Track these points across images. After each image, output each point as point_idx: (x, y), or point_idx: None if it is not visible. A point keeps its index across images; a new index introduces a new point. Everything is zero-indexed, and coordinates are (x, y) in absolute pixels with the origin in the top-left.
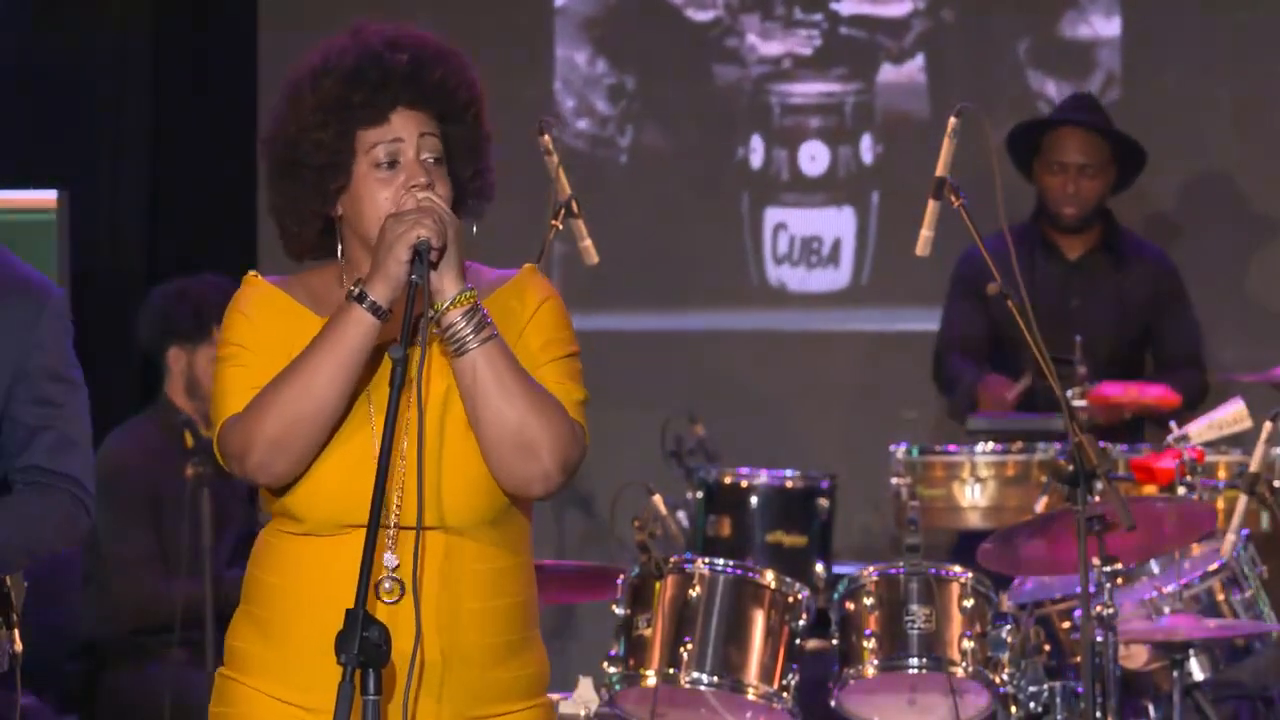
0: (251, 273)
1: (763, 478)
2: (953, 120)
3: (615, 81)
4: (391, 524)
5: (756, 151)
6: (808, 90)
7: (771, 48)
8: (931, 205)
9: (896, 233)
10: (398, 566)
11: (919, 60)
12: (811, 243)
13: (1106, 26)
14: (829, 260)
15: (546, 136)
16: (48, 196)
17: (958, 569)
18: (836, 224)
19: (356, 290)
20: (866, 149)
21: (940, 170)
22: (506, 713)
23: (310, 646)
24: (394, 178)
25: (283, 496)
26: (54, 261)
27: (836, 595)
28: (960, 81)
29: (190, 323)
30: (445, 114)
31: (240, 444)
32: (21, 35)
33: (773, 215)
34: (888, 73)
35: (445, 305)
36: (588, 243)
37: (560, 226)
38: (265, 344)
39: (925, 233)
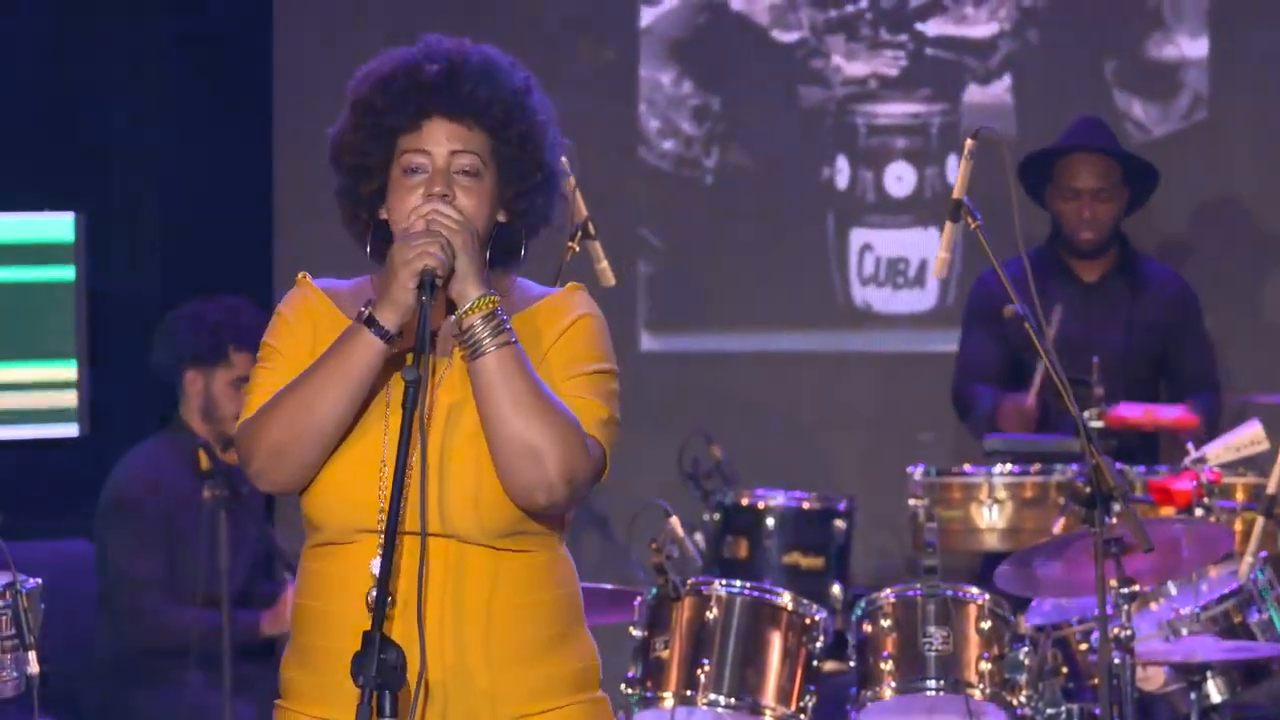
0: (301, 274)
1: (779, 499)
2: (970, 142)
3: (700, 102)
4: (400, 532)
5: (842, 172)
6: (893, 111)
7: (857, 68)
8: (949, 227)
9: (983, 254)
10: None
11: (1005, 81)
12: (897, 264)
13: (1193, 47)
14: (915, 281)
15: (563, 158)
16: (64, 219)
17: (975, 591)
18: (923, 245)
19: (366, 313)
20: (953, 170)
21: (957, 192)
22: (553, 708)
23: (338, 666)
24: (419, 185)
25: (301, 499)
26: (71, 284)
27: (854, 617)
28: (1046, 102)
29: (206, 345)
30: (489, 129)
31: (245, 449)
32: (38, 58)
33: (858, 236)
34: (974, 94)
35: (465, 310)
36: (604, 264)
37: (577, 249)
38: (296, 349)
39: (942, 254)
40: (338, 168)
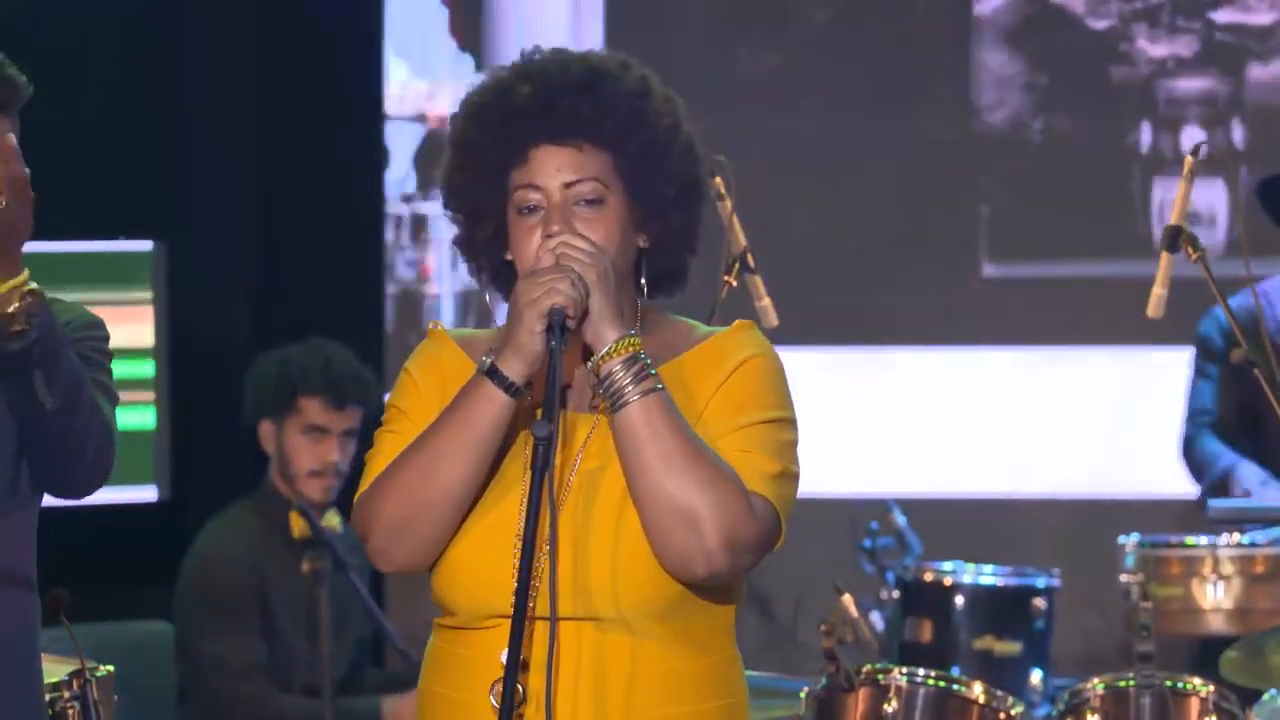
0: (432, 323)
1: (969, 575)
2: (1189, 160)
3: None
4: (532, 617)
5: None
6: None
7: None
8: (1165, 259)
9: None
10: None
11: None
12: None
13: None
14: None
15: (718, 179)
16: (141, 248)
17: (1197, 682)
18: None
19: (488, 363)
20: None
21: (1175, 218)
22: None
23: None
24: (537, 225)
25: (430, 578)
26: (148, 321)
27: (1056, 711)
28: None
29: (272, 393)
30: (605, 146)
31: (362, 525)
32: (119, 74)
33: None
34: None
35: (602, 354)
36: (766, 302)
37: (734, 283)
38: (424, 410)
39: (1158, 290)
40: (451, 214)
